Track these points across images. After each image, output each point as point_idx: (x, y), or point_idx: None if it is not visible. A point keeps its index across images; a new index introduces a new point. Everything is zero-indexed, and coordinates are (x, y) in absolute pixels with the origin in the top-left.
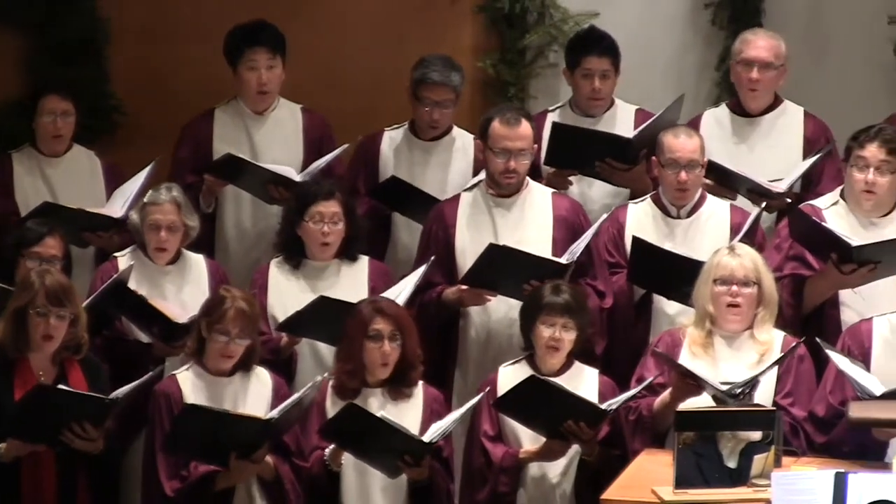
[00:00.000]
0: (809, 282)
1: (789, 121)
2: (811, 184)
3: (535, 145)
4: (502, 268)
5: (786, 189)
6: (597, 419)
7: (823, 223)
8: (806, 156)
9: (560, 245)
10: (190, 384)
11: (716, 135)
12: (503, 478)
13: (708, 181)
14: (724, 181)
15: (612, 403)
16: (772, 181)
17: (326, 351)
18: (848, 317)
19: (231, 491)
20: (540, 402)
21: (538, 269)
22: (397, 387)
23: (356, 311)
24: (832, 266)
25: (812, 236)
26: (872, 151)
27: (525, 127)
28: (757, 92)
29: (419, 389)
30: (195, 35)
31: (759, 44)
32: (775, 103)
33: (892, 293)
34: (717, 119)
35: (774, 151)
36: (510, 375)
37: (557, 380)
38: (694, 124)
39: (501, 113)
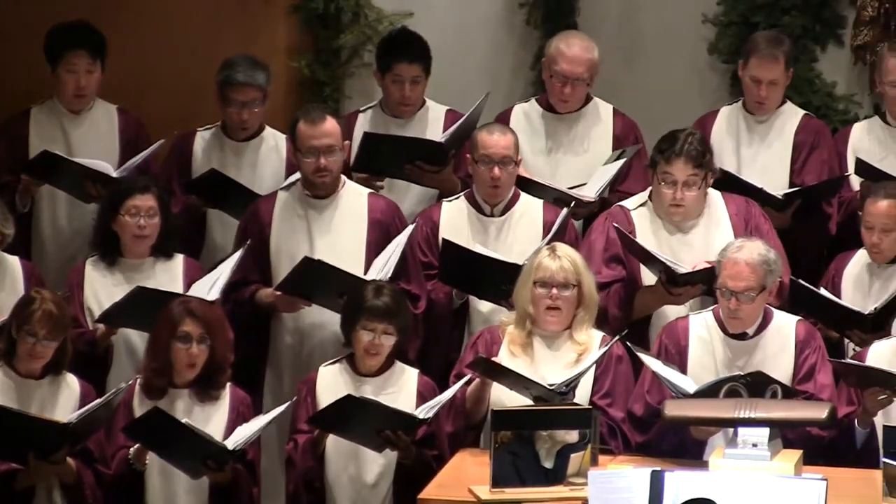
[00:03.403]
0: (639, 296)
1: (598, 118)
2: (616, 181)
3: (347, 142)
4: (317, 281)
5: (595, 197)
6: (413, 427)
7: (652, 252)
8: (614, 152)
9: (374, 247)
10: None
11: (525, 131)
12: (306, 454)
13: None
14: (529, 191)
15: (429, 410)
16: (573, 187)
17: (141, 346)
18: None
19: (31, 492)
20: (357, 416)
21: (352, 285)
22: (204, 389)
23: (167, 309)
24: (661, 285)
25: (635, 253)
26: (679, 167)
27: (330, 123)
28: (568, 103)
29: (226, 391)
30: (16, 34)
31: (572, 56)
32: (584, 101)
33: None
34: (526, 115)
35: (583, 148)
36: (329, 376)
37: (376, 380)
38: (503, 119)
39: (305, 113)
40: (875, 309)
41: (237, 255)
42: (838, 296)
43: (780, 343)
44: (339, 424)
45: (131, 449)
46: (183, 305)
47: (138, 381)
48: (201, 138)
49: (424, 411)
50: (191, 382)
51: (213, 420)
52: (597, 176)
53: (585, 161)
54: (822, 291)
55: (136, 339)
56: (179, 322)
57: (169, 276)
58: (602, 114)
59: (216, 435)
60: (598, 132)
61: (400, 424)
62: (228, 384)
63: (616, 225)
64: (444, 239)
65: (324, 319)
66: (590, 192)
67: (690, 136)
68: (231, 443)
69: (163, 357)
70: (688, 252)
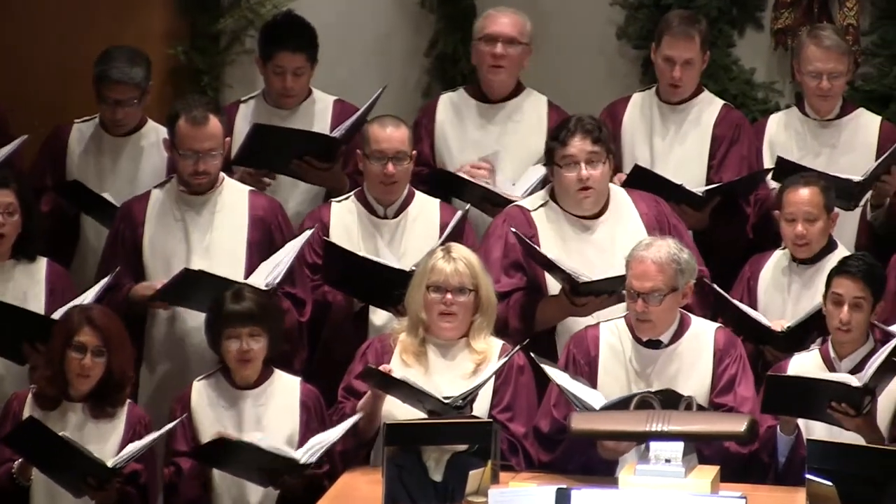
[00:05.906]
0: (541, 307)
1: (532, 110)
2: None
3: (228, 139)
4: (197, 291)
5: (521, 197)
6: (294, 470)
7: (554, 260)
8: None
9: (256, 247)
10: None
11: (454, 123)
12: (190, 482)
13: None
14: (451, 190)
15: (312, 454)
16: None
17: None
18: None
19: None
20: (234, 456)
21: None
22: (100, 404)
23: (66, 315)
24: (564, 295)
25: (536, 260)
26: (578, 145)
27: (213, 125)
28: (501, 70)
29: (124, 409)
30: None
31: (502, 20)
32: (517, 89)
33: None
34: (454, 106)
35: (518, 139)
36: (204, 391)
37: (254, 392)
38: (429, 110)
39: (187, 110)
40: (788, 327)
41: (103, 282)
42: (755, 300)
43: (697, 352)
44: (219, 463)
45: (15, 463)
46: (84, 313)
47: (32, 390)
48: (78, 131)
49: (307, 455)
50: (86, 396)
51: (107, 438)
52: (526, 175)
53: (519, 156)
54: (738, 303)
55: None
56: (77, 330)
57: (30, 279)
58: (535, 105)
59: (110, 454)
60: (531, 126)
61: (279, 467)
62: (128, 402)
63: (514, 230)
64: (325, 240)
65: (201, 320)
66: (518, 192)
67: (581, 117)
68: (113, 461)
69: (56, 365)
70: (594, 252)
